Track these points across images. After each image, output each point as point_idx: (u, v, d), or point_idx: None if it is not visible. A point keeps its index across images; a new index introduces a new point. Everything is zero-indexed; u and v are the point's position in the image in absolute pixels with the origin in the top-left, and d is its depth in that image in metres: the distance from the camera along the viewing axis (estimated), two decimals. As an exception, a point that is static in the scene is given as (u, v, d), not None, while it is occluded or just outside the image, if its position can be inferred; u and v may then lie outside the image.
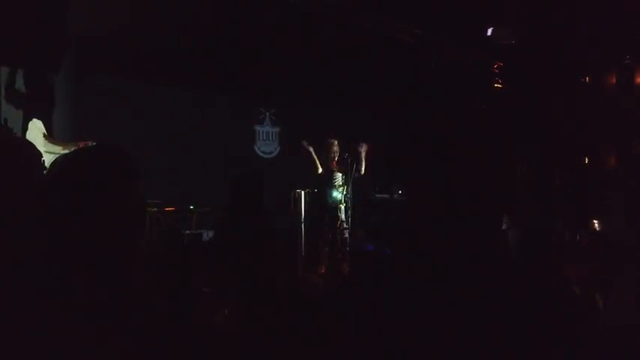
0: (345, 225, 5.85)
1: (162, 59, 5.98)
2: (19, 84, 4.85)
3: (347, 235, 5.89)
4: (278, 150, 7.96)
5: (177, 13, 5.32)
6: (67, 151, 3.91)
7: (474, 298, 1.92)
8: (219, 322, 3.06)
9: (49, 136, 4.27)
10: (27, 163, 1.81)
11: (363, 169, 5.80)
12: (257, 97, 7.65)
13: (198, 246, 5.09)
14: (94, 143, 2.98)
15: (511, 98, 8.41)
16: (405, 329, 1.83)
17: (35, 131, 4.16)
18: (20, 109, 4.63)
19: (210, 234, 5.40)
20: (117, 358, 1.27)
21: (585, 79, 8.87)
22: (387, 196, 7.76)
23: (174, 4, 5.28)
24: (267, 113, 7.88)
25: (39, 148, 2.04)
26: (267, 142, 7.87)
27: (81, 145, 3.83)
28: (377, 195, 7.74)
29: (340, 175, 5.93)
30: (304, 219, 6.02)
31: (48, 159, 1.93)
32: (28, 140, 2.26)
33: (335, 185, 5.90)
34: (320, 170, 5.89)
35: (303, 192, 6.04)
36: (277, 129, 7.95)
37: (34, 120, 4.29)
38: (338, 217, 5.84)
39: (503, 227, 6.38)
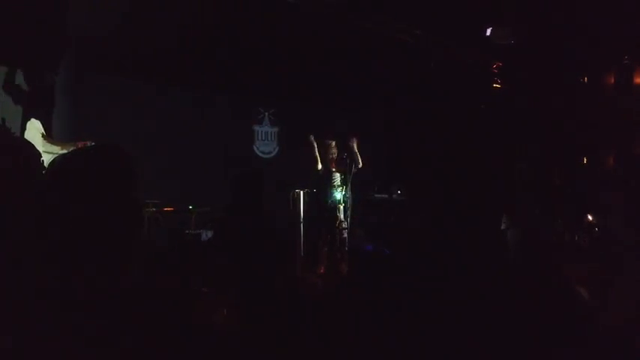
0: (344, 225, 5.85)
1: (162, 59, 5.97)
2: (18, 84, 4.85)
3: (346, 235, 5.89)
4: (277, 150, 7.96)
5: (176, 13, 5.31)
6: (65, 151, 3.92)
7: (474, 298, 1.92)
8: (219, 322, 3.06)
9: (48, 136, 4.27)
10: (26, 163, 1.81)
11: (360, 161, 5.83)
12: (256, 97, 7.65)
13: (198, 246, 5.09)
14: (93, 143, 2.98)
15: (510, 98, 8.41)
16: (405, 329, 1.83)
17: (33, 131, 4.16)
18: (19, 108, 4.62)
19: (209, 234, 5.40)
20: (116, 358, 1.27)
21: (584, 80, 8.88)
22: (386, 196, 7.76)
23: (174, 4, 5.28)
24: (266, 113, 7.88)
25: (37, 148, 2.04)
26: (266, 142, 7.87)
27: (80, 145, 3.83)
28: (376, 195, 7.74)
29: (339, 175, 5.94)
30: (303, 219, 6.02)
31: (47, 159, 1.92)
32: (27, 140, 2.26)
33: (334, 185, 5.90)
34: (320, 166, 5.90)
35: (302, 192, 6.04)
36: (276, 129, 7.95)
37: (33, 120, 4.28)
38: (337, 217, 5.83)
39: (502, 227, 6.39)
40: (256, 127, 7.79)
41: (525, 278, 2.08)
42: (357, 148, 5.82)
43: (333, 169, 5.96)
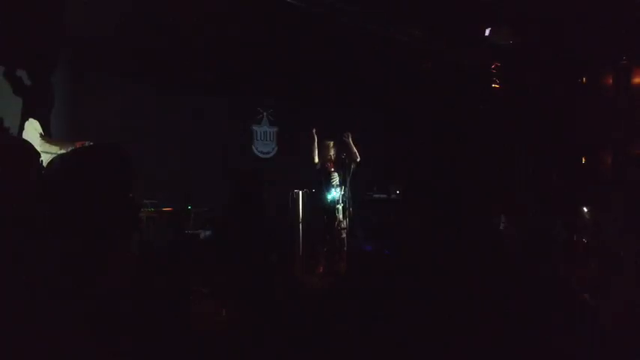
0: (342, 225, 5.85)
1: (160, 59, 5.97)
2: (16, 83, 4.84)
3: (344, 235, 5.89)
4: (276, 150, 7.95)
5: (175, 13, 5.31)
6: (63, 151, 3.90)
7: (473, 298, 1.92)
8: (218, 322, 3.05)
9: (46, 136, 4.26)
10: (25, 163, 1.80)
11: (357, 155, 5.85)
12: (255, 97, 7.64)
13: (196, 246, 5.08)
14: (91, 143, 2.97)
15: (509, 98, 8.42)
16: (404, 329, 1.83)
17: (32, 131, 4.14)
18: (17, 108, 4.61)
19: (208, 233, 5.40)
20: (114, 357, 1.27)
21: (582, 80, 8.90)
22: (385, 195, 7.76)
23: (173, 4, 5.27)
24: (265, 113, 7.87)
25: (36, 148, 2.03)
26: (264, 142, 7.86)
27: (78, 145, 3.82)
28: (375, 195, 7.74)
29: (337, 175, 5.94)
30: (302, 219, 6.01)
31: (45, 159, 1.92)
32: (25, 140, 2.25)
33: (332, 185, 5.91)
34: (316, 160, 5.91)
35: (300, 192, 6.04)
36: (275, 129, 7.94)
37: (31, 120, 4.27)
38: (336, 218, 5.84)
39: (501, 227, 6.39)
40: (255, 127, 7.78)
41: (524, 278, 2.08)
42: (352, 142, 5.86)
43: (332, 170, 5.96)
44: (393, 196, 7.68)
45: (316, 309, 3.34)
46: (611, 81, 8.56)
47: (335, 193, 5.85)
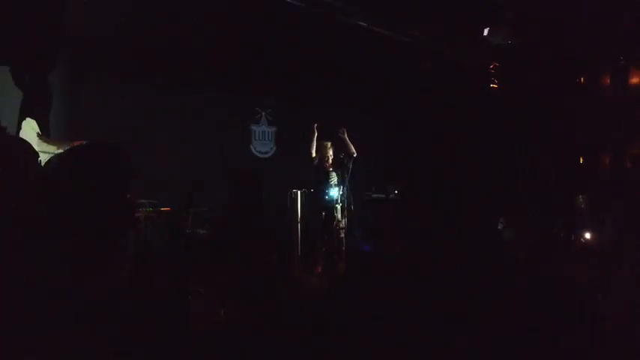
0: (341, 225, 5.86)
1: (159, 59, 5.95)
2: (14, 83, 4.82)
3: (343, 234, 5.90)
4: (274, 150, 7.94)
5: (173, 13, 5.30)
6: (61, 151, 3.89)
7: (473, 298, 1.92)
8: (216, 322, 3.05)
9: (44, 136, 4.24)
10: (23, 162, 1.80)
11: (353, 150, 5.87)
12: (253, 97, 7.63)
13: (195, 246, 5.07)
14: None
15: (507, 98, 8.44)
16: (402, 328, 1.82)
17: (30, 131, 4.13)
18: (15, 108, 4.59)
19: (207, 234, 5.38)
20: (112, 357, 1.26)
21: (580, 80, 8.92)
22: (384, 195, 7.76)
23: (171, 4, 5.26)
24: (264, 113, 7.86)
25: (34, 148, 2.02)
26: (263, 141, 7.85)
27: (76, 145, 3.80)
28: (373, 195, 7.74)
29: (336, 174, 5.95)
30: (301, 219, 6.01)
31: (43, 158, 1.91)
32: (24, 140, 2.24)
33: (331, 185, 5.91)
34: (314, 154, 5.92)
35: (299, 192, 6.03)
36: (273, 129, 7.93)
37: (28, 119, 4.26)
38: (334, 217, 5.84)
39: (499, 227, 6.40)
40: (253, 127, 7.77)
41: (524, 278, 2.08)
42: (347, 136, 5.90)
43: (330, 169, 5.97)
44: (392, 196, 7.68)
45: (315, 309, 3.34)
46: (609, 81, 8.58)
47: (333, 193, 5.86)
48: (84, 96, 5.76)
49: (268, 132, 7.89)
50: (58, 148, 3.89)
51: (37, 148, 3.57)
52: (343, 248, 5.91)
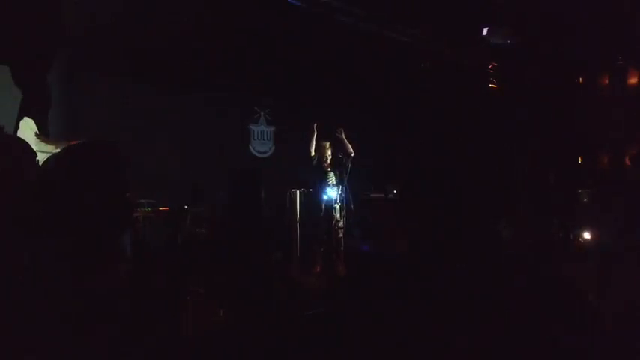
0: (340, 225, 5.86)
1: (157, 59, 5.94)
2: (12, 83, 4.81)
3: (342, 234, 5.89)
4: (273, 149, 7.94)
5: (171, 12, 5.29)
6: (59, 151, 3.87)
7: (471, 298, 1.91)
8: (215, 322, 3.04)
9: (42, 135, 4.23)
10: (20, 162, 1.79)
11: (350, 149, 5.88)
12: (252, 97, 7.63)
13: (193, 246, 5.06)
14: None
15: (505, 98, 8.44)
16: (402, 328, 1.82)
17: (27, 130, 4.12)
18: (13, 108, 4.58)
19: (205, 234, 5.37)
20: (110, 357, 1.26)
21: (579, 80, 8.93)
22: (382, 195, 7.77)
23: (169, 3, 5.25)
24: (262, 112, 7.86)
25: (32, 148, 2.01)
26: (262, 141, 7.85)
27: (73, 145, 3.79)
28: (372, 195, 7.74)
29: (335, 175, 5.95)
30: (299, 219, 6.01)
31: (41, 158, 1.90)
32: (22, 139, 2.23)
33: (330, 185, 5.91)
34: (313, 153, 5.93)
35: (298, 192, 6.03)
36: (272, 128, 7.93)
37: (26, 119, 4.25)
38: (333, 217, 5.84)
39: (499, 227, 6.39)
40: (252, 127, 7.76)
41: (522, 277, 2.07)
42: (345, 136, 5.92)
43: (329, 169, 5.97)
44: (391, 195, 7.68)
45: (313, 308, 3.34)
46: (607, 81, 8.60)
47: (332, 193, 5.86)
48: (82, 96, 5.76)
49: (267, 132, 7.89)
50: (56, 148, 3.88)
51: (35, 148, 3.56)
52: (342, 248, 5.91)
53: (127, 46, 5.52)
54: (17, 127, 4.20)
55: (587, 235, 6.41)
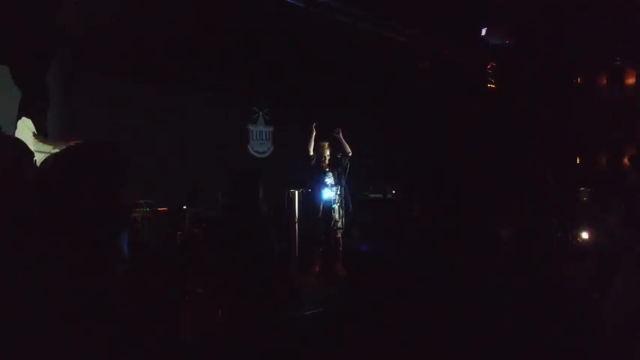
0: (338, 225, 5.85)
1: (155, 59, 5.93)
2: (10, 82, 4.80)
3: (340, 234, 5.89)
4: (271, 150, 7.93)
5: (170, 12, 5.28)
6: (57, 151, 3.85)
7: (471, 298, 1.91)
8: (213, 322, 3.03)
9: (40, 135, 4.21)
10: (18, 162, 1.78)
11: (348, 149, 5.88)
12: (250, 97, 7.62)
13: (191, 246, 5.05)
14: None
15: (504, 98, 8.45)
16: (401, 328, 1.82)
17: (25, 130, 4.10)
18: (11, 108, 4.57)
19: (204, 234, 5.36)
20: (107, 357, 1.25)
21: (577, 80, 8.95)
22: (381, 195, 7.76)
23: (167, 2, 5.24)
24: (261, 113, 7.85)
25: (30, 148, 2.00)
26: (260, 141, 7.84)
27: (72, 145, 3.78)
28: (370, 195, 7.74)
29: (333, 175, 5.94)
30: (298, 219, 6.00)
31: (38, 158, 1.89)
32: (19, 139, 2.22)
33: (328, 185, 5.90)
34: (312, 153, 5.93)
35: (297, 192, 6.02)
36: (271, 128, 7.92)
37: (24, 119, 4.23)
38: (332, 217, 5.83)
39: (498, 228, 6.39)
40: (251, 127, 7.75)
41: (521, 277, 2.07)
42: (342, 136, 5.91)
43: (327, 169, 5.96)
44: (389, 196, 7.68)
45: (312, 308, 3.33)
46: (605, 81, 8.61)
47: (331, 193, 5.85)
48: (82, 96, 5.74)
49: (266, 132, 7.88)
50: (54, 148, 3.87)
51: (32, 148, 3.54)
52: (340, 248, 5.90)
53: (126, 46, 5.51)
54: (16, 127, 4.19)
55: (585, 235, 6.41)
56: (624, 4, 6.37)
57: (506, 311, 1.70)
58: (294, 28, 6.08)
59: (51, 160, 1.48)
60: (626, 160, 7.74)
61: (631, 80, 8.31)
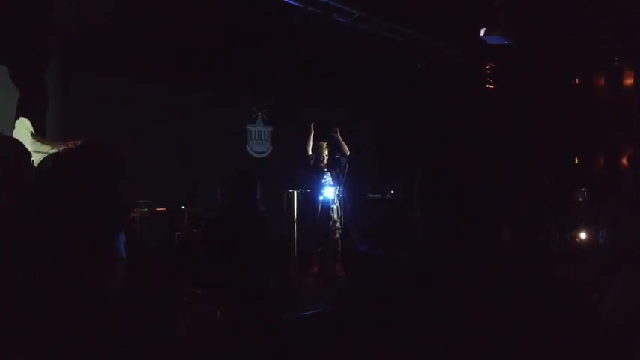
0: (337, 225, 5.85)
1: (153, 59, 5.92)
2: (7, 82, 4.78)
3: (339, 235, 5.89)
4: (270, 150, 7.92)
5: (168, 11, 5.27)
6: (55, 151, 3.85)
7: (470, 298, 1.91)
8: (212, 323, 3.03)
9: (38, 135, 4.20)
10: (15, 162, 1.77)
11: (346, 149, 5.89)
12: (249, 97, 7.61)
13: (190, 247, 5.04)
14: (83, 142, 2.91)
15: (503, 98, 8.46)
16: (399, 329, 1.81)
17: (23, 130, 4.09)
18: (8, 108, 4.56)
19: (202, 235, 5.35)
20: (106, 357, 1.25)
21: (575, 81, 8.96)
22: (380, 196, 7.76)
23: (168, 3, 5.24)
24: (259, 113, 7.84)
25: (27, 148, 2.00)
26: (259, 141, 7.83)
27: (70, 145, 3.77)
28: (369, 195, 7.74)
29: (332, 175, 5.94)
30: (296, 219, 5.99)
31: (36, 158, 1.89)
32: (17, 140, 2.21)
33: (327, 185, 5.90)
34: (310, 152, 5.93)
35: (295, 192, 6.01)
36: (269, 129, 7.91)
37: (22, 119, 4.22)
38: (330, 218, 5.83)
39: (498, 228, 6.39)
40: (249, 127, 7.74)
41: (523, 278, 2.07)
42: (341, 135, 5.93)
43: (326, 170, 5.96)
44: (388, 196, 7.68)
45: (310, 308, 3.32)
46: (603, 82, 8.63)
47: (329, 193, 5.85)
48: (81, 96, 5.73)
49: (264, 132, 7.87)
50: (52, 148, 3.86)
51: (30, 148, 3.54)
52: (339, 249, 5.90)
53: (122, 46, 5.50)
54: (13, 127, 4.18)
55: (583, 236, 6.43)
56: (622, 4, 6.38)
57: (505, 311, 1.69)
58: (293, 28, 6.08)
59: (49, 160, 1.48)
60: (624, 161, 7.75)
61: (629, 81, 8.33)
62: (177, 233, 5.36)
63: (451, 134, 8.15)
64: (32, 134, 4.11)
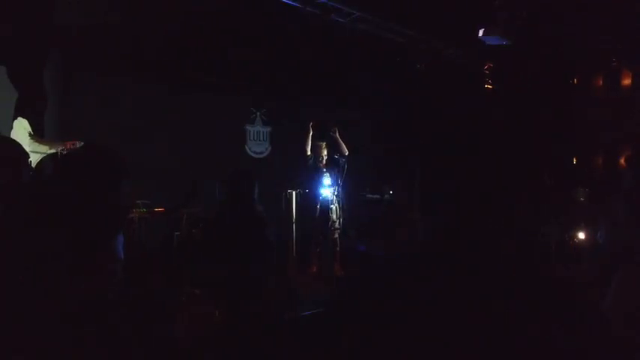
0: (336, 225, 5.84)
1: (152, 59, 5.91)
2: (5, 82, 4.77)
3: (337, 235, 5.88)
4: (269, 150, 7.92)
5: (167, 11, 5.27)
6: (53, 151, 3.84)
7: (470, 298, 1.91)
8: (210, 323, 3.02)
9: (36, 136, 4.19)
10: (13, 163, 1.77)
11: (345, 149, 5.88)
12: (248, 97, 7.61)
13: (188, 247, 5.04)
14: (82, 143, 2.92)
15: (501, 99, 8.47)
16: (399, 329, 1.81)
17: (21, 130, 4.08)
18: (7, 108, 4.55)
19: (201, 235, 5.34)
20: (105, 357, 1.24)
21: (574, 81, 8.97)
22: (378, 196, 7.76)
23: (167, 3, 5.23)
24: (258, 113, 7.83)
25: (25, 148, 1.99)
26: (258, 142, 7.82)
27: (68, 145, 3.76)
28: (368, 195, 7.74)
29: (330, 175, 5.93)
30: (295, 219, 5.99)
31: (34, 159, 1.88)
32: (14, 140, 2.20)
33: (325, 185, 5.89)
34: (309, 152, 5.92)
35: (294, 192, 6.01)
36: (268, 129, 7.90)
37: (20, 119, 4.21)
38: (329, 218, 5.82)
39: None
40: (248, 127, 7.74)
41: (522, 278, 2.07)
42: (339, 135, 5.91)
43: (325, 169, 5.95)
44: (387, 196, 7.68)
45: (309, 309, 3.32)
46: (601, 82, 8.64)
47: (328, 193, 5.84)
48: (80, 96, 5.72)
49: (263, 132, 7.87)
50: (50, 149, 3.85)
51: (28, 148, 3.53)
52: (338, 249, 5.90)
53: (121, 46, 5.49)
54: (11, 128, 4.17)
55: (582, 236, 6.43)
56: (622, 4, 6.39)
57: (505, 311, 1.69)
58: (292, 28, 6.08)
59: (47, 161, 1.48)
60: (622, 161, 7.76)
61: (627, 81, 8.34)
62: (176, 233, 5.35)
63: (451, 134, 8.15)
64: (30, 134, 4.09)
